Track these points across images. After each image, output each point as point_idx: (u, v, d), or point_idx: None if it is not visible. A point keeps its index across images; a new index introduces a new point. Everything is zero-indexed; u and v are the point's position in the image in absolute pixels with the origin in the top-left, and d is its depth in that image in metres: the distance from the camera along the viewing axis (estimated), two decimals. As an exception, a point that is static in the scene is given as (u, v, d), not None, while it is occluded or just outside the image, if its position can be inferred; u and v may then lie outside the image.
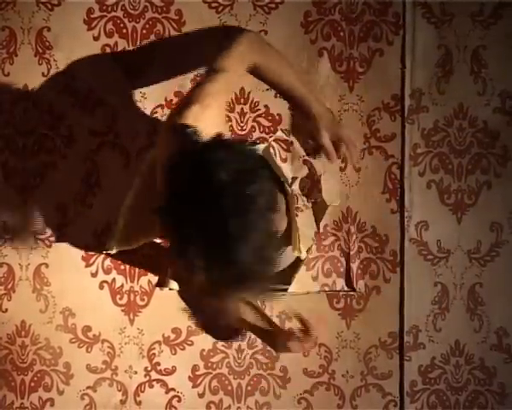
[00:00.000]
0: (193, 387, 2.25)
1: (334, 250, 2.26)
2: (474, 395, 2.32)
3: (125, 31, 2.16)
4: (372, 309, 2.27)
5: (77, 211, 2.17)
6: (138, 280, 2.21)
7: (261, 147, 2.20)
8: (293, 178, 2.24)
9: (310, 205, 2.24)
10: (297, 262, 2.24)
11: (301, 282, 2.23)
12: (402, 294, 2.27)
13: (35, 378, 2.21)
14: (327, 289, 2.26)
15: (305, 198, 2.24)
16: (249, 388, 2.26)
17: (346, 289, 2.27)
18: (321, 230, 2.24)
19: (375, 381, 2.28)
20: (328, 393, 2.27)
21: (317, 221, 2.23)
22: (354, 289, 2.26)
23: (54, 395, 2.21)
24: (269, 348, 2.12)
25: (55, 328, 2.21)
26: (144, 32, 2.17)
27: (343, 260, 2.27)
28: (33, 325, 2.20)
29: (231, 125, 2.19)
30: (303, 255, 2.19)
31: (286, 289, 2.24)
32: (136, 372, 2.22)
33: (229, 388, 2.26)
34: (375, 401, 2.29)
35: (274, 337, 1.92)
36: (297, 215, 2.21)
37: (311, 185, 2.24)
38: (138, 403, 2.24)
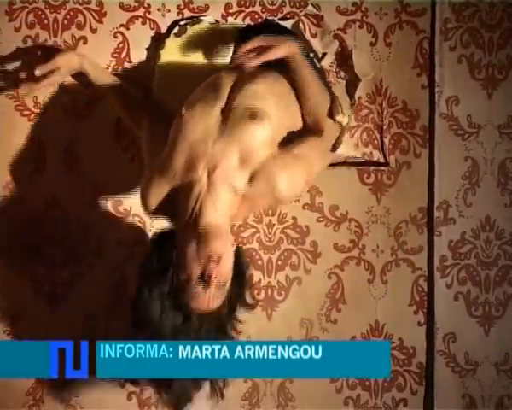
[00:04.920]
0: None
1: (368, 123, 2.25)
2: (504, 270, 2.33)
3: None
4: (402, 184, 2.27)
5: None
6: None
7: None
8: (324, 54, 2.23)
9: (340, 80, 2.23)
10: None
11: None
12: (432, 169, 2.26)
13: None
14: (366, 158, 2.24)
15: (335, 74, 2.23)
16: (279, 262, 2.27)
17: (381, 160, 2.26)
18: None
19: (405, 256, 2.28)
20: (358, 267, 2.28)
21: (350, 96, 2.22)
22: (388, 163, 2.26)
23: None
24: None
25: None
26: None
27: (377, 132, 2.26)
28: None
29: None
30: (345, 120, 2.17)
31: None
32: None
33: (260, 262, 2.26)
34: (404, 275, 2.29)
35: None
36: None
37: (342, 60, 2.23)
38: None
